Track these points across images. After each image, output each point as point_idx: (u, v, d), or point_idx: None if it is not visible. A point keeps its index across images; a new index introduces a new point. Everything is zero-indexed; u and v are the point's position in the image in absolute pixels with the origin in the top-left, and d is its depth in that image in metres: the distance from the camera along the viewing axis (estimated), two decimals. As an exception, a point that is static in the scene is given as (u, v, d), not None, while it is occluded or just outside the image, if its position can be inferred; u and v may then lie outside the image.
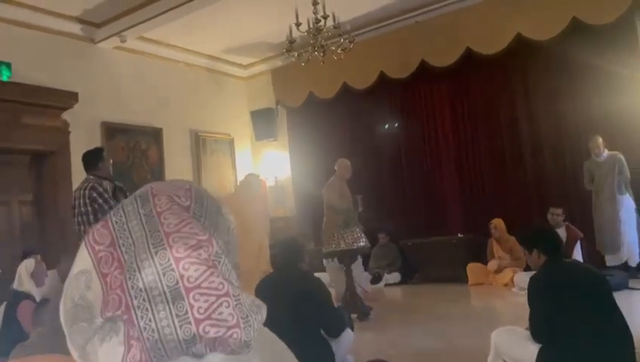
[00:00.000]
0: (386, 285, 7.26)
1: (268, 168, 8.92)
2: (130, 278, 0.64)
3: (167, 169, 7.67)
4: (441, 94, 7.49)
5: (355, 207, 5.64)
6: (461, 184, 7.44)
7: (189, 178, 8.02)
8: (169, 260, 0.64)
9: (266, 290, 2.84)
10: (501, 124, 7.11)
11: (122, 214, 0.68)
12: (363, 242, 5.29)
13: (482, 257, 6.68)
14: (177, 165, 7.89)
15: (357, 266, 5.88)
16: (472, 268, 6.66)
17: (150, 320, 0.63)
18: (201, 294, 0.64)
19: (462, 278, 6.68)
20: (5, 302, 3.46)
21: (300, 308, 2.70)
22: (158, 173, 7.52)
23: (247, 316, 0.66)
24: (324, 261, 5.76)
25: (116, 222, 0.68)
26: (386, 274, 7.39)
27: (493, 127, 7.09)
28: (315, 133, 8.48)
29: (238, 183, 5.67)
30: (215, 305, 0.64)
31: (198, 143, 8.26)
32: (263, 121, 8.68)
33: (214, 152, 8.47)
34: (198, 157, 8.23)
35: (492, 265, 6.53)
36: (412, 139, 7.70)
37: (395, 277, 7.36)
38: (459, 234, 7.16)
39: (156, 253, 0.64)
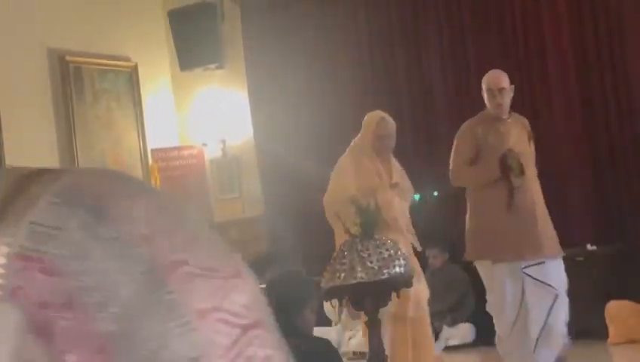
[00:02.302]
0: (447, 348, 7.35)
1: (207, 123, 8.66)
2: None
3: (5, 129, 7.29)
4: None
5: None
6: (591, 149, 7.36)
7: (50, 150, 7.77)
8: (186, 317, 0.65)
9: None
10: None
11: (66, 243, 0.66)
12: (400, 267, 5.03)
13: (636, 289, 6.64)
14: (24, 121, 7.52)
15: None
16: (617, 311, 6.56)
17: None
18: None
19: (596, 330, 6.64)
20: None
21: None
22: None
23: None
24: (329, 302, 5.62)
25: (64, 259, 0.65)
26: (445, 326, 7.41)
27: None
28: (300, 49, 8.24)
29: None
30: None
31: (67, 77, 7.93)
32: (194, 31, 8.38)
33: (101, 95, 8.19)
34: (66, 105, 7.91)
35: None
36: (489, 61, 7.20)
37: (465, 331, 7.40)
38: (588, 246, 7.15)
39: (170, 307, 0.64)
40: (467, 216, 5.47)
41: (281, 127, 8.26)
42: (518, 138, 5.36)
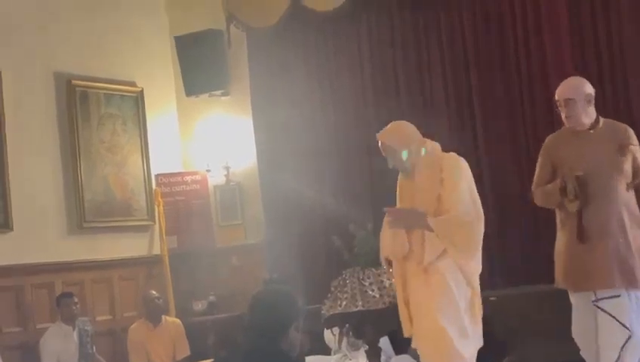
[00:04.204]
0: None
1: (211, 149, 8.67)
2: None
3: (10, 152, 7.30)
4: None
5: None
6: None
7: (54, 174, 7.82)
8: None
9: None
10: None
11: None
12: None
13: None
14: (30, 145, 7.56)
15: (386, 344, 5.90)
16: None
17: None
18: None
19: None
20: None
21: None
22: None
23: None
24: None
25: None
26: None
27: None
28: (305, 78, 8.28)
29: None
30: None
31: (73, 101, 7.97)
32: (200, 58, 8.41)
33: (106, 120, 8.22)
34: (71, 128, 7.94)
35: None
36: (495, 87, 7.54)
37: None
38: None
39: None
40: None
41: (284, 155, 8.23)
42: (596, 152, 4.71)
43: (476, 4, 7.56)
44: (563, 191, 4.64)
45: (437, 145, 4.72)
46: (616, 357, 4.52)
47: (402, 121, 4.86)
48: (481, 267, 4.49)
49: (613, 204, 4.61)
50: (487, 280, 6.48)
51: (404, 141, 4.61)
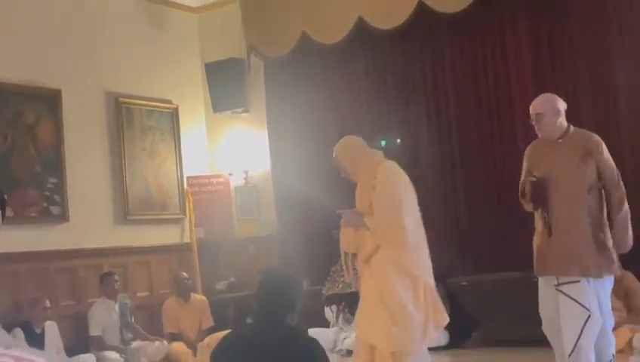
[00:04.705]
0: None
1: (233, 157, 8.96)
2: None
3: (68, 156, 7.67)
4: (520, 33, 7.53)
5: None
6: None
7: (104, 175, 8.11)
8: None
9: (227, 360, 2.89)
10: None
11: None
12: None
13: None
14: (84, 151, 7.89)
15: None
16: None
17: None
18: None
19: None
20: None
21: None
22: (54, 164, 7.53)
23: None
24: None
25: None
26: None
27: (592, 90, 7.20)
28: (312, 99, 8.51)
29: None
30: None
31: (120, 116, 8.32)
32: (225, 81, 8.68)
33: (147, 131, 8.57)
34: (118, 138, 8.29)
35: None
36: (473, 108, 7.81)
37: (439, 335, 6.76)
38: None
39: None
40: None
41: (293, 162, 8.50)
42: (562, 159, 4.76)
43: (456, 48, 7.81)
44: (523, 193, 4.84)
45: (377, 154, 4.84)
46: (577, 335, 4.55)
47: (351, 136, 5.04)
48: (423, 258, 4.65)
49: (575, 205, 4.66)
50: (458, 267, 7.27)
51: (348, 153, 4.78)
